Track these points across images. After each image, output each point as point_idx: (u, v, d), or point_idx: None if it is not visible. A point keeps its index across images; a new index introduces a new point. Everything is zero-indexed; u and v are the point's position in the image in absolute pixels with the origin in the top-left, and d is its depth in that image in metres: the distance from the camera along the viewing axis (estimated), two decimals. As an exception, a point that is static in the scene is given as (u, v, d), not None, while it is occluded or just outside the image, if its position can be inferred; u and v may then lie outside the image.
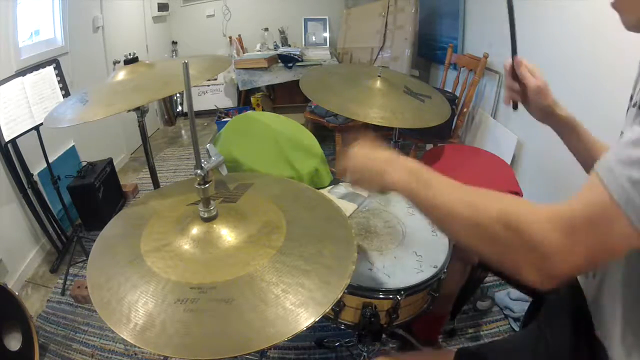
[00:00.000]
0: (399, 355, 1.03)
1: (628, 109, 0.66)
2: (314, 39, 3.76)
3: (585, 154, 0.82)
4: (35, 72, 1.65)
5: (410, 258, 0.94)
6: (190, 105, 0.61)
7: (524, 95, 0.83)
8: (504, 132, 2.07)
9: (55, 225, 2.00)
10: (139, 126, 1.14)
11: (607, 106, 1.27)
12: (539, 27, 1.80)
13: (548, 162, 1.75)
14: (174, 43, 4.05)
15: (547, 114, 0.83)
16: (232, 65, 3.16)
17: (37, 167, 1.94)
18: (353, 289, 0.85)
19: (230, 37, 3.81)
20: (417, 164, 0.62)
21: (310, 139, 1.69)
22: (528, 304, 1.11)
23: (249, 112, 2.86)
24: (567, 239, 0.43)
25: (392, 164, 0.63)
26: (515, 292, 1.57)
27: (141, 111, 1.09)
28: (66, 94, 1.76)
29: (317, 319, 0.52)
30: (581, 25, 1.47)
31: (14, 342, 1.30)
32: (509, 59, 0.84)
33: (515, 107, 0.87)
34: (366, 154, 0.69)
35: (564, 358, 0.70)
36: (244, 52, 3.70)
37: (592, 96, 1.42)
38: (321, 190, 1.13)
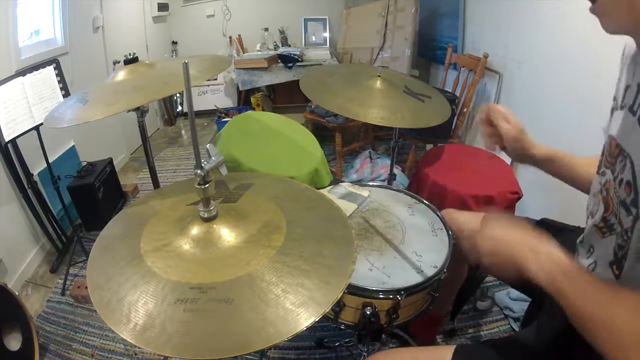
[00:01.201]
0: (397, 351, 1.03)
1: (612, 109, 0.67)
2: (314, 39, 3.77)
3: (571, 180, 0.86)
4: (35, 72, 1.65)
5: (410, 258, 0.95)
6: (190, 105, 0.60)
7: (501, 141, 0.86)
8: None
9: (55, 225, 2.00)
10: (139, 126, 1.14)
11: (607, 105, 1.27)
12: (539, 26, 1.80)
13: (548, 162, 1.75)
14: (174, 43, 4.05)
15: (525, 158, 0.87)
16: (232, 65, 3.15)
17: (37, 167, 1.94)
18: (353, 289, 0.85)
19: (230, 37, 3.81)
20: (560, 252, 0.58)
21: (310, 139, 1.70)
22: (528, 304, 1.11)
23: (249, 112, 2.86)
24: None
25: (535, 251, 0.59)
26: (515, 292, 1.57)
27: (141, 111, 1.09)
28: (66, 94, 1.76)
29: (317, 319, 0.52)
30: (582, 25, 1.47)
31: (14, 342, 1.30)
32: (483, 105, 0.88)
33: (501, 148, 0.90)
34: (507, 236, 0.64)
35: (563, 357, 0.70)
36: (244, 52, 3.70)
37: (592, 95, 1.42)
38: (321, 190, 1.13)
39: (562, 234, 0.93)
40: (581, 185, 0.85)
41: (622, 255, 0.60)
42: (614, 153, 0.63)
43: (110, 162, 2.33)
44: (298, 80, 1.30)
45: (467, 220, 1.07)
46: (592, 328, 0.52)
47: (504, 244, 0.63)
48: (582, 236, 0.75)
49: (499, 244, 0.64)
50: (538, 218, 1.04)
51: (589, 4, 0.56)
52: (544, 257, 0.59)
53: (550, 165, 0.87)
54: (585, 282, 0.54)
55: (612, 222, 0.63)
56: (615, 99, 0.67)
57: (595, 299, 0.53)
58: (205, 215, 0.66)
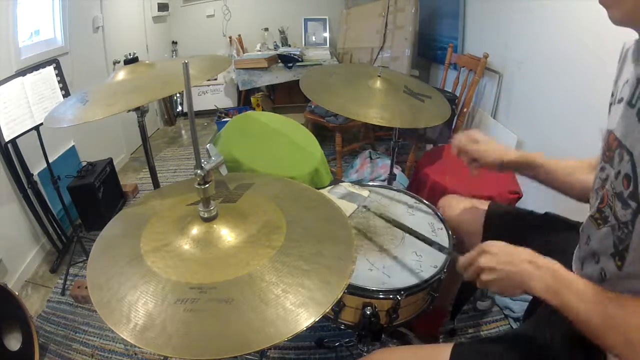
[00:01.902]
0: (396, 349, 1.03)
1: (611, 104, 0.68)
2: (314, 39, 3.76)
3: (558, 185, 0.89)
4: (35, 72, 1.65)
5: (410, 258, 0.95)
6: (190, 105, 0.61)
7: (479, 162, 0.94)
8: (504, 132, 2.07)
9: (55, 225, 2.00)
10: (139, 126, 1.14)
11: (606, 106, 1.27)
12: (539, 26, 1.80)
13: (548, 162, 1.75)
14: (174, 43, 4.05)
15: (503, 166, 0.92)
16: (232, 65, 3.15)
17: (37, 167, 1.94)
18: (353, 289, 0.85)
19: (230, 37, 3.80)
20: (559, 266, 0.60)
21: (310, 139, 1.70)
22: (528, 303, 1.11)
23: (249, 112, 2.86)
24: None
25: (536, 266, 0.61)
26: (515, 292, 1.57)
27: (141, 111, 1.09)
28: (66, 94, 1.76)
29: (317, 319, 0.52)
30: (581, 25, 1.47)
31: (14, 342, 1.30)
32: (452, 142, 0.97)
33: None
34: (508, 253, 0.65)
35: (562, 355, 0.70)
36: (244, 52, 3.70)
37: (592, 96, 1.42)
38: (321, 190, 1.13)
39: (567, 227, 0.93)
40: (561, 189, 0.89)
41: (623, 248, 0.60)
42: (612, 146, 0.64)
43: (110, 162, 2.33)
44: (298, 80, 1.30)
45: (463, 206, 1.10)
46: (600, 335, 0.54)
47: (507, 261, 0.64)
48: (582, 226, 0.77)
49: (502, 261, 0.65)
50: (539, 218, 1.04)
51: (594, 5, 0.57)
52: (545, 271, 0.60)
53: (533, 171, 0.91)
54: (589, 293, 0.56)
55: (606, 214, 0.64)
56: (613, 94, 0.68)
57: (600, 309, 0.55)
58: (205, 215, 0.66)
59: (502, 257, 0.66)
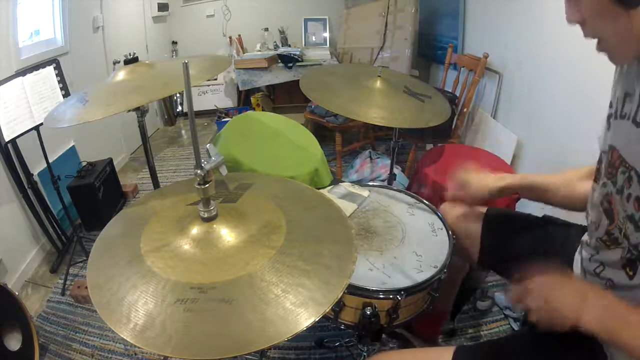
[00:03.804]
0: (397, 352, 1.03)
1: (609, 116, 0.66)
2: (314, 39, 3.76)
3: (559, 201, 0.89)
4: (35, 72, 1.65)
5: (410, 258, 0.94)
6: (190, 105, 0.60)
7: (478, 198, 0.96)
8: (504, 132, 2.07)
9: (55, 225, 2.00)
10: (139, 126, 1.14)
11: (606, 106, 1.27)
12: (539, 26, 1.80)
13: (548, 162, 1.75)
14: (174, 43, 4.05)
15: (497, 193, 0.94)
16: (232, 65, 3.16)
17: (37, 167, 1.94)
18: (353, 289, 0.85)
19: (230, 37, 3.80)
20: (611, 296, 0.58)
21: (310, 139, 1.70)
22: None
23: (249, 112, 2.87)
24: None
25: (586, 299, 0.58)
26: (515, 292, 1.57)
27: (141, 111, 1.09)
28: (66, 94, 1.76)
29: (317, 319, 0.52)
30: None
31: (14, 342, 1.30)
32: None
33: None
34: (559, 284, 0.62)
35: (563, 355, 0.70)
36: (244, 52, 3.70)
37: (592, 96, 1.42)
38: (321, 190, 1.13)
39: (565, 229, 0.93)
40: (564, 204, 0.90)
41: (636, 257, 0.59)
42: (615, 164, 0.62)
43: (110, 162, 2.33)
44: (298, 80, 1.30)
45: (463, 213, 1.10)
46: None
47: (557, 292, 0.62)
48: (587, 239, 0.75)
49: (553, 293, 0.62)
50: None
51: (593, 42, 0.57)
52: (594, 303, 0.58)
53: (533, 192, 0.92)
54: (636, 322, 0.54)
55: (616, 236, 0.63)
56: (611, 105, 0.66)
57: None
58: (205, 215, 0.66)
59: (546, 291, 0.62)
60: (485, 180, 0.95)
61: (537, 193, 0.91)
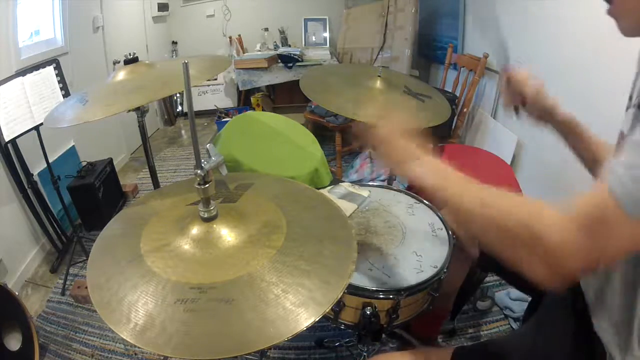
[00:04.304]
0: (397, 353, 1.03)
1: (627, 108, 0.66)
2: (314, 39, 3.77)
3: (586, 154, 0.83)
4: (35, 72, 1.65)
5: (410, 258, 0.94)
6: (190, 105, 0.60)
7: (523, 97, 0.85)
8: (504, 132, 2.07)
9: (55, 225, 2.00)
10: (139, 126, 1.14)
11: (606, 106, 1.27)
12: (539, 26, 1.80)
13: (548, 161, 1.75)
14: (174, 43, 4.05)
15: (547, 115, 0.85)
16: (232, 65, 3.16)
17: (37, 167, 1.94)
18: (353, 289, 0.85)
19: (230, 37, 3.81)
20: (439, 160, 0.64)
21: (310, 139, 1.70)
22: (527, 303, 1.11)
23: (249, 112, 2.87)
24: (584, 240, 0.44)
25: (419, 156, 0.66)
26: (515, 292, 1.57)
27: (141, 111, 1.09)
28: (66, 94, 1.76)
29: (317, 319, 0.52)
30: (581, 25, 1.47)
31: (14, 342, 1.30)
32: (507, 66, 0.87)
33: (517, 111, 0.88)
34: (398, 135, 0.69)
35: (562, 355, 0.70)
36: (244, 52, 3.70)
37: (591, 96, 1.42)
38: (321, 190, 1.13)
39: None
40: (590, 164, 0.84)
41: None
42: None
43: (110, 162, 2.33)
44: (298, 80, 1.30)
45: None
46: (478, 223, 0.56)
47: (392, 147, 0.69)
48: None
49: (386, 143, 0.69)
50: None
51: (594, 5, 0.56)
52: (427, 161, 0.66)
53: (571, 134, 0.85)
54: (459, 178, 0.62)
55: None
56: (630, 98, 0.65)
57: (473, 192, 0.60)
58: (205, 215, 0.66)
59: (388, 136, 0.69)
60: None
61: (576, 132, 0.84)
